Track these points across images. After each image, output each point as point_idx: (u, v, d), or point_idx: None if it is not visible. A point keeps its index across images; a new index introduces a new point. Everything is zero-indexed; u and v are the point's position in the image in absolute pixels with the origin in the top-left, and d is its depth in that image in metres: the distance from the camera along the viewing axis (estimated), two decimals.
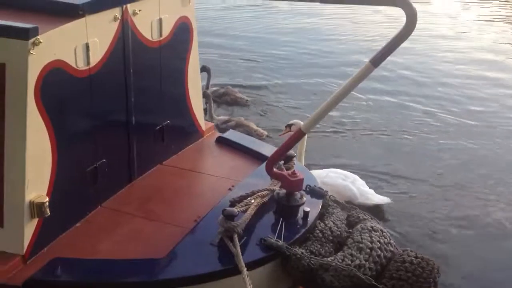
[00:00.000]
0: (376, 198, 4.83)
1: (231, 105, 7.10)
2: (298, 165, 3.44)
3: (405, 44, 2.59)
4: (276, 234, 2.81)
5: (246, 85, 7.69)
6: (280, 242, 2.75)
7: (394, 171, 5.61)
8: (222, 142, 3.89)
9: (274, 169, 3.02)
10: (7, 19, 2.55)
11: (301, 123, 5.14)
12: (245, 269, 2.57)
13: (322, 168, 5.04)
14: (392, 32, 2.62)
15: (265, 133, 6.09)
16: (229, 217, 2.71)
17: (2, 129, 2.55)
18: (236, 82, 7.74)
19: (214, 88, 7.18)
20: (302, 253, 2.74)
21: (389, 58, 2.58)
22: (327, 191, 3.27)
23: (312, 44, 9.01)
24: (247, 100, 7.16)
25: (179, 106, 3.68)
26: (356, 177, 4.91)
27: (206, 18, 9.29)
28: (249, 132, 5.85)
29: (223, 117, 6.39)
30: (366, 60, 2.61)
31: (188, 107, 3.75)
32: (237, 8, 10.25)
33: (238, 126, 5.99)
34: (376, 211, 4.58)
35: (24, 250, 2.64)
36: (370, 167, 5.63)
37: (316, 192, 3.23)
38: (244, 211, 2.85)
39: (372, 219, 3.13)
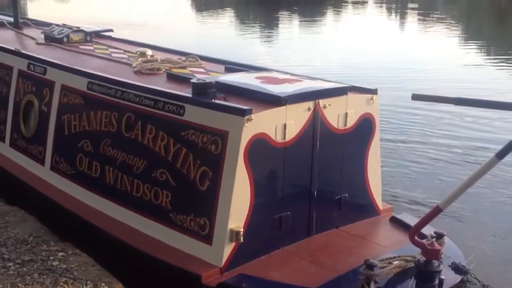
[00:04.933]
0: None
1: None
2: (449, 243, 4.00)
3: None
4: None
5: None
6: None
7: None
8: (395, 221, 4.59)
9: (416, 238, 3.67)
10: (235, 103, 3.80)
11: None
12: None
13: None
14: None
15: None
16: (370, 266, 3.46)
17: (221, 176, 3.74)
18: None
19: None
20: None
21: None
22: (469, 269, 3.76)
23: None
24: None
25: (357, 185, 4.50)
26: None
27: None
28: None
29: None
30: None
31: (366, 187, 4.57)
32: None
33: None
34: None
35: (222, 264, 3.71)
36: None
37: (459, 269, 3.78)
38: (385, 267, 3.56)
39: None
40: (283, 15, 28.11)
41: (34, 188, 5.07)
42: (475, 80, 13.43)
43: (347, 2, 34.08)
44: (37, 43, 6.38)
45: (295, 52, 17.03)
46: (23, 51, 5.79)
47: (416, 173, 7.21)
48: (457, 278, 3.68)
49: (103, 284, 3.52)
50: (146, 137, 4.16)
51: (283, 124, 3.84)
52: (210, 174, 3.77)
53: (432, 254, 3.56)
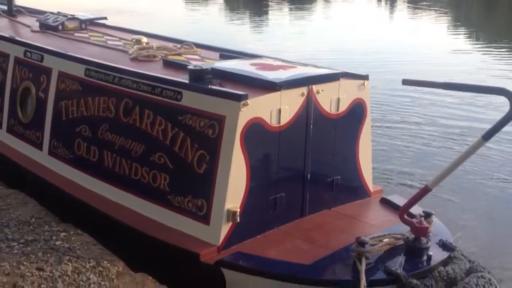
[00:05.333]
0: None
1: None
2: (437, 222, 4.17)
3: None
4: (398, 265, 3.61)
5: None
6: (400, 271, 3.55)
7: None
8: (385, 202, 4.75)
9: (405, 217, 3.84)
10: (231, 88, 3.93)
11: None
12: (364, 283, 3.44)
13: None
14: None
15: None
16: (361, 244, 3.62)
17: (218, 159, 3.87)
18: None
19: None
20: (417, 283, 3.50)
21: None
22: (456, 246, 3.94)
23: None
24: None
25: (349, 167, 4.65)
26: None
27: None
28: None
29: None
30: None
31: (357, 169, 4.72)
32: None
33: None
34: None
35: (220, 243, 3.84)
36: None
37: (446, 246, 3.94)
38: (376, 244, 3.73)
39: (489, 273, 3.71)
40: (273, 2, 28.13)
41: (32, 172, 5.17)
42: (463, 64, 13.71)
43: None
44: (32, 31, 6.44)
45: (286, 39, 17.18)
46: (19, 39, 5.87)
47: (408, 154, 7.44)
48: (445, 254, 3.85)
49: (105, 262, 3.66)
50: (144, 122, 4.28)
51: (278, 109, 3.97)
52: (207, 157, 3.90)
53: (420, 231, 3.73)
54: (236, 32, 18.94)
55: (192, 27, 18.85)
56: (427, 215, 4.02)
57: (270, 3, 27.97)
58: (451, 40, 18.42)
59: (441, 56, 14.85)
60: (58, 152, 5.06)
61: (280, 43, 16.35)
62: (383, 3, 30.75)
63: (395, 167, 6.96)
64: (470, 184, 6.37)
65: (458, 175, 6.16)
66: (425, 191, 3.73)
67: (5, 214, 4.42)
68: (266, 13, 24.98)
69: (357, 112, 4.57)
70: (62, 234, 4.08)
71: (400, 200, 4.71)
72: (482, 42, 18.45)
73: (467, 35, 19.95)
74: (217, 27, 19.81)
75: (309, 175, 4.32)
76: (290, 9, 26.35)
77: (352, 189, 4.73)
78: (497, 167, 7.08)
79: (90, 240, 4.00)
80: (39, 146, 5.27)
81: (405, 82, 3.61)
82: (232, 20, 22.18)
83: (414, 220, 3.80)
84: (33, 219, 4.35)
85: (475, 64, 14.10)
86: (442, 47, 16.45)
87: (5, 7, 7.54)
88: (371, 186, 4.88)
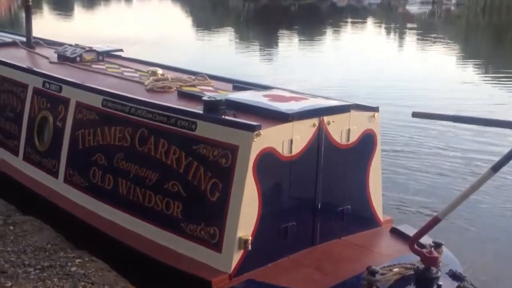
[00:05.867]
0: None
1: None
2: (447, 253, 4.21)
3: None
4: None
5: None
6: None
7: None
8: (395, 232, 4.80)
9: (415, 247, 3.88)
10: (245, 119, 4.04)
11: None
12: None
13: None
14: None
15: None
16: (372, 273, 3.67)
17: (230, 187, 3.96)
18: None
19: None
20: None
21: None
22: (466, 276, 3.98)
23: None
24: None
25: (359, 197, 4.72)
26: None
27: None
28: None
29: None
30: None
31: (367, 199, 4.78)
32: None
33: None
34: None
35: (231, 270, 3.90)
36: None
37: (456, 276, 3.99)
38: (386, 274, 3.77)
39: None
40: (284, 34, 28.52)
41: (48, 199, 5.28)
42: (472, 95, 13.80)
43: (346, 22, 34.60)
44: (51, 62, 6.62)
45: (295, 70, 17.37)
46: (38, 70, 6.04)
47: (418, 183, 7.50)
48: (454, 284, 3.89)
49: None
50: (159, 151, 4.38)
51: (290, 139, 4.07)
52: (220, 186, 3.99)
53: (431, 261, 3.77)
54: (246, 62, 19.20)
55: (203, 57, 19.14)
56: (437, 245, 4.07)
57: (279, 34, 28.35)
58: (460, 72, 18.58)
59: (450, 87, 14.97)
60: (74, 180, 5.17)
61: (290, 73, 16.56)
62: (392, 35, 31.07)
63: (406, 196, 7.02)
64: (481, 213, 6.40)
65: (469, 202, 6.19)
66: (435, 221, 3.78)
67: (22, 240, 4.51)
68: (276, 44, 25.32)
69: (367, 143, 4.65)
70: (77, 260, 4.16)
71: (410, 230, 4.74)
72: (491, 74, 18.58)
73: (476, 67, 20.11)
74: (228, 57, 20.09)
75: (319, 205, 4.39)
76: (300, 40, 26.69)
77: (363, 218, 4.78)
78: (509, 196, 7.10)
79: (105, 267, 4.07)
80: (55, 174, 5.38)
81: (415, 114, 3.70)
82: (241, 50, 22.50)
83: (424, 250, 3.85)
84: (49, 246, 4.44)
85: (484, 95, 14.21)
86: (451, 78, 16.60)
87: (24, 39, 7.75)
88: (381, 216, 4.93)
